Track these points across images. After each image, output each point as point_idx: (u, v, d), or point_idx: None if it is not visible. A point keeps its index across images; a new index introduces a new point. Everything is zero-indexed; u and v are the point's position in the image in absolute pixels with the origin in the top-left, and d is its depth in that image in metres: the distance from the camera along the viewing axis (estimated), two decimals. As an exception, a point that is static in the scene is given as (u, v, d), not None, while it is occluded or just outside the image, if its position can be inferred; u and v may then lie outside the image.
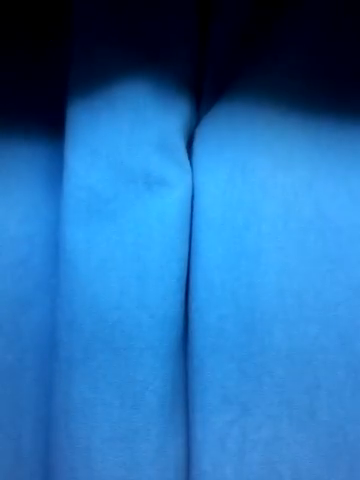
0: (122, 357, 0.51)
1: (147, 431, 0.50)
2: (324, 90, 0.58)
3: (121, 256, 0.52)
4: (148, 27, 0.55)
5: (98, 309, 0.51)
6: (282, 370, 0.50)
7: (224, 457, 0.50)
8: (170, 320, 0.52)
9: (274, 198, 0.53)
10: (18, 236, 0.57)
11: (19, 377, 0.56)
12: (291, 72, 0.57)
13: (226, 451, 0.50)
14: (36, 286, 0.57)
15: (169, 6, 0.55)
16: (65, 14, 0.57)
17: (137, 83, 0.54)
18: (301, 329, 0.51)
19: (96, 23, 0.55)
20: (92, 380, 0.50)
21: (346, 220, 0.54)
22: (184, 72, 0.57)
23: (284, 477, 0.49)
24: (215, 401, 0.51)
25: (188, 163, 0.56)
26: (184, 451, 0.52)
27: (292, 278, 0.52)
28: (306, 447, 0.50)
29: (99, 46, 0.54)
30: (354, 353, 0.51)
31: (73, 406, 0.51)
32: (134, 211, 0.53)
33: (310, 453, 0.50)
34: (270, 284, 0.52)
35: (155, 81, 0.54)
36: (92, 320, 0.51)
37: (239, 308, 0.51)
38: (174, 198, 0.54)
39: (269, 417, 0.50)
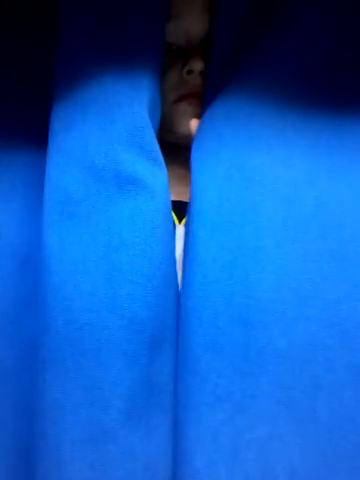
0: (91, 359, 0.51)
1: (115, 433, 0.50)
2: (324, 87, 0.57)
3: (92, 258, 0.52)
4: (119, 26, 0.56)
5: (69, 311, 0.52)
6: (279, 369, 0.49)
7: (217, 455, 0.49)
8: (139, 322, 0.52)
9: (273, 194, 0.52)
10: (18, 241, 0.59)
11: (20, 376, 0.57)
12: (291, 69, 0.56)
13: (219, 449, 0.49)
14: (35, 289, 0.58)
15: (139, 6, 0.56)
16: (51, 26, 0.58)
17: (107, 83, 0.55)
18: (300, 327, 0.49)
19: (79, 27, 0.56)
20: (62, 381, 0.51)
21: (348, 216, 0.52)
22: (151, 66, 0.57)
23: (280, 477, 0.48)
24: (209, 399, 0.50)
25: (161, 158, 0.56)
26: (156, 453, 0.51)
27: (291, 275, 0.50)
28: (304, 447, 0.48)
29: (79, 48, 0.56)
30: (355, 352, 0.49)
31: (46, 407, 0.51)
32: (106, 212, 0.53)
33: (308, 453, 0.48)
34: (268, 281, 0.50)
35: (124, 79, 0.55)
36: (63, 322, 0.52)
37: (235, 305, 0.50)
38: (146, 196, 0.54)
39: (265, 416, 0.48)
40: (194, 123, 0.61)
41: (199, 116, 0.64)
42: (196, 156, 0.57)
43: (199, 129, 0.59)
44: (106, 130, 0.54)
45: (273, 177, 0.53)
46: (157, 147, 0.56)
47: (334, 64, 0.57)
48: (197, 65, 0.65)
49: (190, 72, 0.65)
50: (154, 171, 0.55)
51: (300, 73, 0.56)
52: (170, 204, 0.57)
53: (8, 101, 0.60)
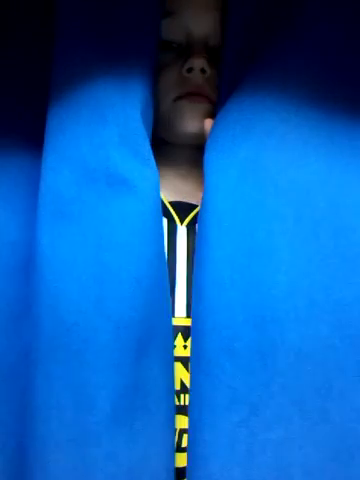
0: (77, 360, 0.50)
1: (98, 436, 0.49)
2: (340, 84, 0.55)
3: (82, 258, 0.52)
4: (112, 27, 0.56)
5: (58, 311, 0.51)
6: (293, 370, 0.48)
7: (233, 459, 0.48)
8: (127, 324, 0.51)
9: (286, 195, 0.51)
10: (18, 241, 0.59)
11: (20, 376, 0.57)
12: (306, 66, 0.55)
13: (235, 452, 0.48)
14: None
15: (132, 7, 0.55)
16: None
17: (100, 84, 0.54)
18: (312, 329, 0.49)
19: (73, 28, 0.56)
20: (49, 382, 0.51)
21: None
22: (144, 67, 0.56)
23: (295, 479, 0.47)
24: (224, 401, 0.49)
25: (152, 159, 0.55)
26: (140, 457, 0.50)
27: (303, 277, 0.50)
28: (318, 448, 0.48)
29: (73, 49, 0.56)
30: None
31: (34, 407, 0.51)
32: (96, 212, 0.53)
33: (322, 454, 0.47)
34: (281, 283, 0.50)
35: (117, 80, 0.55)
36: (52, 322, 0.51)
37: (250, 307, 0.50)
38: (137, 197, 0.53)
39: (279, 418, 0.48)
40: (208, 123, 0.60)
41: (202, 115, 0.64)
42: (209, 157, 0.56)
43: (213, 129, 0.58)
44: (98, 131, 0.54)
45: (286, 178, 0.52)
46: (149, 148, 0.55)
47: (352, 59, 0.55)
48: (198, 62, 0.63)
49: (191, 70, 0.63)
50: (145, 172, 0.54)
51: (315, 73, 0.55)
52: (160, 205, 0.56)
53: (8, 102, 0.61)
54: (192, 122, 0.65)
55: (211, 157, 0.56)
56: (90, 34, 0.55)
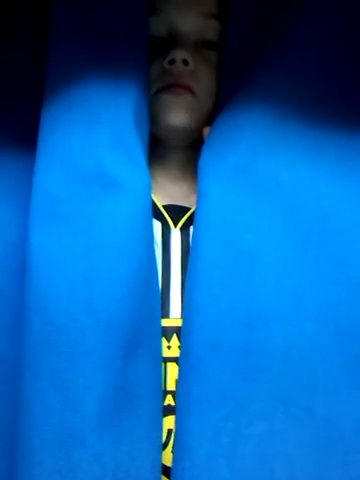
0: (65, 360, 0.50)
1: (84, 437, 0.49)
2: (328, 91, 0.56)
3: (71, 258, 0.52)
4: (103, 27, 0.56)
5: (46, 311, 0.51)
6: (278, 367, 0.50)
7: (218, 450, 0.49)
8: (115, 325, 0.51)
9: (276, 199, 0.53)
10: (20, 242, 0.58)
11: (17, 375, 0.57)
12: (295, 74, 0.56)
13: (220, 444, 0.50)
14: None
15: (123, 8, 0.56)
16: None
17: (92, 85, 0.54)
18: (298, 327, 0.51)
19: (66, 29, 0.56)
20: (37, 382, 0.51)
21: (349, 219, 0.53)
22: (136, 67, 0.56)
23: (277, 471, 0.49)
24: (211, 396, 0.50)
25: (143, 161, 0.55)
26: (126, 459, 0.50)
27: (291, 277, 0.52)
28: (301, 443, 0.49)
29: (66, 50, 0.56)
30: (351, 351, 0.51)
31: (22, 407, 0.51)
32: (86, 212, 0.53)
33: (305, 449, 0.49)
34: (269, 283, 0.51)
35: (109, 80, 0.55)
36: (41, 322, 0.51)
37: (237, 306, 0.51)
38: (128, 198, 0.53)
39: (263, 413, 0.50)
40: (206, 130, 0.60)
41: (183, 106, 0.64)
42: (203, 161, 0.57)
43: (209, 135, 0.58)
44: (90, 132, 0.54)
45: (276, 182, 0.53)
46: (140, 149, 0.55)
47: (340, 74, 0.57)
48: (179, 53, 0.62)
49: (173, 61, 0.63)
50: (136, 174, 0.54)
51: (303, 81, 0.56)
52: (150, 207, 0.56)
53: (8, 102, 0.61)
54: (174, 114, 0.64)
55: (204, 161, 0.56)
56: (83, 35, 0.55)
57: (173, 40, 0.65)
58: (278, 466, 0.49)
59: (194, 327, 0.52)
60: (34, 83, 0.60)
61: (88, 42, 0.55)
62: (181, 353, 0.54)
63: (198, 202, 0.56)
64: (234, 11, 0.63)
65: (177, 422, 0.53)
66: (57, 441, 0.49)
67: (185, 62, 0.63)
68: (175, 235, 0.65)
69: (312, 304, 0.51)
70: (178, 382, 0.54)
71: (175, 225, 0.66)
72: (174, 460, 0.52)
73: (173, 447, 0.53)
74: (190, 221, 0.65)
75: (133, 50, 0.56)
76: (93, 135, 0.54)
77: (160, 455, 0.53)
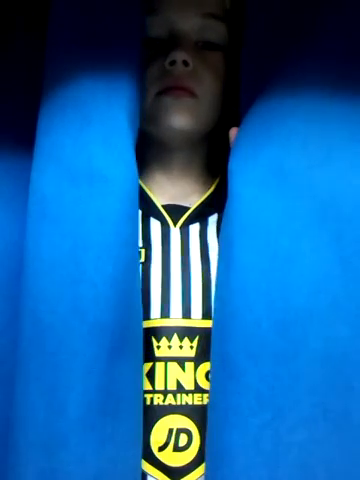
0: (52, 361, 0.50)
1: (66, 439, 0.48)
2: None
3: (59, 258, 0.52)
4: (99, 27, 0.55)
5: (36, 312, 0.51)
6: (317, 372, 0.49)
7: (258, 458, 0.49)
8: (101, 326, 0.50)
9: (309, 198, 0.51)
10: (21, 242, 0.58)
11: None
12: (326, 65, 0.54)
13: (260, 452, 0.49)
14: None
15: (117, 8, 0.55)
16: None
17: (86, 85, 0.54)
18: (335, 331, 0.49)
19: (62, 30, 0.56)
20: (26, 383, 0.51)
21: None
22: (130, 67, 0.55)
23: (319, 479, 0.48)
24: (251, 404, 0.50)
25: (133, 160, 0.54)
26: (108, 462, 0.49)
27: (327, 280, 0.50)
28: (342, 449, 0.48)
29: (61, 50, 0.56)
30: None
31: (13, 407, 0.51)
32: (74, 212, 0.52)
33: (346, 455, 0.48)
34: (305, 285, 0.50)
35: (103, 80, 0.54)
36: (31, 323, 0.51)
37: (275, 311, 0.50)
38: (116, 198, 0.53)
39: (304, 420, 0.49)
40: (233, 131, 0.59)
41: (185, 110, 0.64)
42: (233, 164, 0.56)
43: (237, 137, 0.57)
44: (82, 131, 0.53)
45: (309, 180, 0.51)
46: (131, 149, 0.54)
47: None
48: (180, 55, 0.62)
49: (173, 62, 0.62)
50: (126, 174, 0.54)
51: (336, 72, 0.53)
52: (138, 208, 0.56)
53: (10, 104, 0.62)
54: (175, 117, 0.64)
55: (234, 164, 0.55)
56: (78, 36, 0.55)
57: (173, 40, 0.64)
58: (320, 474, 0.48)
59: (229, 334, 0.51)
60: (35, 86, 0.60)
61: (83, 43, 0.55)
62: (214, 361, 0.54)
63: (229, 206, 0.55)
64: (252, 10, 0.61)
65: (211, 430, 0.52)
66: (41, 443, 0.49)
67: (185, 63, 0.62)
68: (175, 234, 0.65)
69: (348, 307, 0.49)
70: (212, 391, 0.53)
71: (175, 224, 0.66)
72: (210, 468, 0.51)
73: (198, 452, 0.55)
74: (189, 220, 0.67)
75: (127, 50, 0.55)
76: (85, 135, 0.53)
77: (140, 460, 0.53)
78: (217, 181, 0.73)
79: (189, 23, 0.65)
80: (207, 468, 0.52)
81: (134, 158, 0.55)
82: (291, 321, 0.49)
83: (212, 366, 0.54)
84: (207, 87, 0.65)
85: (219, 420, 0.51)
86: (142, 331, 0.56)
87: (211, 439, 0.52)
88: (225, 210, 0.56)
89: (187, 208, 0.68)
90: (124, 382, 0.51)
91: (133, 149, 0.55)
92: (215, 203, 0.69)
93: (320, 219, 0.50)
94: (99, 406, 0.49)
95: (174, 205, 0.68)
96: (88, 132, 0.53)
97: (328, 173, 0.51)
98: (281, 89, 0.54)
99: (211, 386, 0.54)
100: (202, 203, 0.69)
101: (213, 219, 0.68)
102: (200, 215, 0.68)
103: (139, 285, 0.57)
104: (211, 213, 0.69)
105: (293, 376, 0.49)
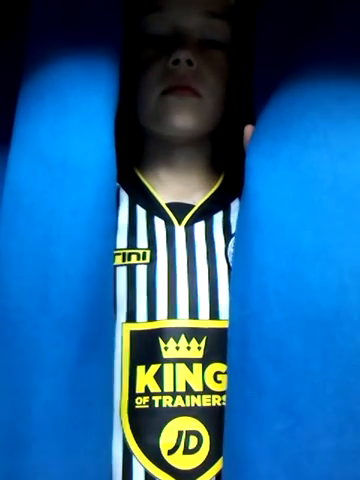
0: (18, 360, 0.47)
1: (29, 446, 0.45)
2: None
3: (30, 252, 0.49)
4: (80, 14, 0.54)
5: (6, 309, 0.49)
6: (342, 376, 0.45)
7: (277, 468, 0.46)
8: (70, 324, 0.47)
9: (334, 192, 0.48)
10: None
11: None
12: (347, 56, 0.51)
13: (278, 460, 0.46)
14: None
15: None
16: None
17: (64, 71, 0.53)
18: None
19: (43, 17, 0.55)
20: (-6, 383, 0.48)
21: None
22: (110, 54, 0.54)
23: None
24: (268, 410, 0.47)
25: (112, 149, 0.52)
26: (74, 472, 0.45)
27: (356, 275, 0.46)
28: None
29: (43, 38, 0.55)
30: None
31: None
32: (47, 202, 0.50)
33: None
34: (331, 283, 0.47)
35: (82, 66, 0.53)
36: (2, 320, 0.49)
37: (295, 313, 0.47)
38: (91, 188, 0.50)
39: (327, 427, 0.45)
40: (249, 129, 0.57)
41: (189, 108, 0.64)
42: (251, 161, 0.54)
43: (254, 134, 0.55)
44: (59, 119, 0.52)
45: (333, 174, 0.48)
46: (110, 140, 0.53)
47: None
48: (184, 54, 0.61)
49: (177, 61, 0.62)
50: (103, 165, 0.52)
51: (354, 61, 0.51)
52: (115, 200, 0.54)
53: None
54: (179, 116, 0.64)
55: (252, 161, 0.53)
56: (57, 22, 0.54)
57: (176, 39, 0.64)
58: None
59: (248, 337, 0.49)
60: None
61: (62, 30, 0.54)
62: (232, 365, 0.52)
63: (243, 204, 0.54)
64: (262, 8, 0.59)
65: (229, 435, 0.51)
66: (5, 448, 0.46)
67: (189, 62, 0.62)
68: (180, 233, 0.64)
69: None
70: (230, 395, 0.52)
71: (179, 223, 0.65)
72: (228, 474, 0.50)
73: (208, 454, 0.53)
74: (194, 218, 0.65)
75: (107, 38, 0.54)
76: (61, 123, 0.51)
77: (110, 470, 0.50)
78: (221, 178, 0.71)
79: (193, 21, 0.64)
80: (225, 474, 0.51)
81: (112, 148, 0.52)
82: (315, 322, 0.46)
83: (229, 369, 0.52)
84: (211, 86, 0.65)
85: (237, 425, 0.49)
86: (114, 330, 0.54)
87: (229, 444, 0.51)
88: (241, 209, 0.55)
89: (192, 206, 0.66)
90: (94, 385, 0.49)
91: (111, 139, 0.53)
92: (220, 200, 0.68)
93: (346, 213, 0.47)
94: (66, 411, 0.46)
95: (178, 203, 0.66)
96: (65, 121, 0.51)
97: (352, 165, 0.48)
98: (298, 84, 0.52)
99: (228, 389, 0.52)
100: (207, 201, 0.68)
101: (218, 216, 0.66)
102: (205, 213, 0.66)
103: (111, 281, 0.54)
104: (216, 210, 0.67)
105: (316, 380, 0.46)
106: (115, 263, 0.60)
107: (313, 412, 0.45)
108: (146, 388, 0.56)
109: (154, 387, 0.56)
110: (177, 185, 0.69)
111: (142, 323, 0.58)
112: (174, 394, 0.56)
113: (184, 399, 0.56)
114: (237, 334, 0.51)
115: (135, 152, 0.72)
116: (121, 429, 0.55)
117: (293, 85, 0.52)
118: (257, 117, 0.56)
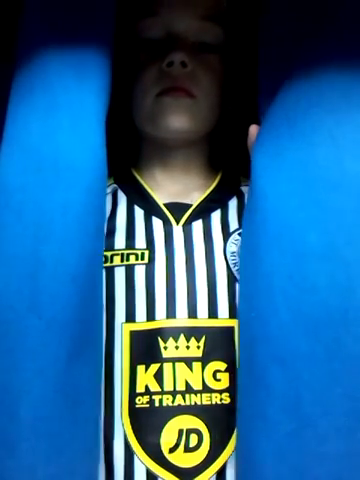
0: (8, 361, 0.47)
1: (15, 447, 0.45)
2: None
3: (19, 251, 0.49)
4: (70, 11, 0.54)
5: None
6: (352, 377, 0.45)
7: (284, 469, 0.46)
8: (59, 324, 0.47)
9: (341, 189, 0.47)
10: None
11: None
12: (353, 51, 0.50)
13: (286, 463, 0.46)
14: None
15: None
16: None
17: (55, 68, 0.52)
18: None
19: (34, 13, 0.54)
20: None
21: None
22: (101, 51, 0.53)
23: None
24: (276, 412, 0.47)
25: (103, 148, 0.52)
26: (63, 475, 0.45)
27: None
28: None
29: (35, 35, 0.54)
30: None
31: None
32: (38, 202, 0.50)
33: None
34: (339, 282, 0.46)
35: (73, 64, 0.52)
36: None
37: (301, 314, 0.47)
38: (81, 187, 0.50)
39: (336, 429, 0.44)
40: (253, 129, 0.57)
41: (183, 110, 0.64)
42: (256, 161, 0.53)
43: (259, 133, 0.55)
44: (50, 117, 0.51)
45: (341, 171, 0.48)
46: (101, 138, 0.52)
47: None
48: (178, 56, 0.62)
49: (171, 63, 0.62)
50: (94, 164, 0.51)
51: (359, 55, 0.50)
52: (105, 199, 0.54)
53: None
54: (174, 117, 0.64)
55: (258, 162, 0.53)
56: (48, 17, 0.53)
57: (171, 42, 0.64)
58: None
59: (255, 338, 0.49)
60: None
61: (53, 26, 0.53)
62: (241, 366, 0.52)
63: (249, 204, 0.53)
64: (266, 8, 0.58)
65: (240, 435, 0.50)
66: (-6, 449, 0.45)
67: (183, 64, 0.62)
68: (178, 233, 0.64)
69: None
70: (240, 396, 0.51)
71: (177, 222, 0.65)
72: (241, 475, 0.50)
73: (208, 452, 0.53)
74: (192, 218, 0.65)
75: (99, 34, 0.53)
76: (52, 121, 0.51)
77: (97, 471, 0.50)
78: (219, 176, 0.71)
79: (186, 25, 0.65)
80: (238, 475, 0.51)
81: (103, 147, 0.52)
82: (322, 322, 0.45)
83: (239, 370, 0.52)
84: (205, 88, 0.65)
85: (246, 426, 0.49)
86: (102, 330, 0.53)
87: (240, 445, 0.50)
88: (247, 210, 0.54)
89: (189, 206, 0.66)
90: (83, 385, 0.48)
91: (102, 138, 0.52)
92: (218, 199, 0.68)
93: (354, 210, 0.47)
94: (55, 411, 0.46)
95: (176, 203, 0.67)
96: (55, 118, 0.51)
97: (359, 161, 0.47)
98: (304, 81, 0.51)
99: (238, 390, 0.52)
100: (204, 199, 0.68)
101: (216, 215, 0.66)
102: (203, 212, 0.66)
103: (102, 281, 0.54)
104: (214, 209, 0.67)
105: (325, 382, 0.45)
106: (114, 264, 0.60)
107: (321, 414, 0.45)
108: (146, 387, 0.56)
109: (154, 386, 0.56)
110: (174, 185, 0.69)
111: (141, 323, 0.58)
112: (174, 393, 0.56)
113: (184, 398, 0.56)
114: (245, 335, 0.51)
115: (132, 153, 0.72)
116: (122, 428, 0.55)
117: (298, 83, 0.51)
118: (262, 117, 0.55)
